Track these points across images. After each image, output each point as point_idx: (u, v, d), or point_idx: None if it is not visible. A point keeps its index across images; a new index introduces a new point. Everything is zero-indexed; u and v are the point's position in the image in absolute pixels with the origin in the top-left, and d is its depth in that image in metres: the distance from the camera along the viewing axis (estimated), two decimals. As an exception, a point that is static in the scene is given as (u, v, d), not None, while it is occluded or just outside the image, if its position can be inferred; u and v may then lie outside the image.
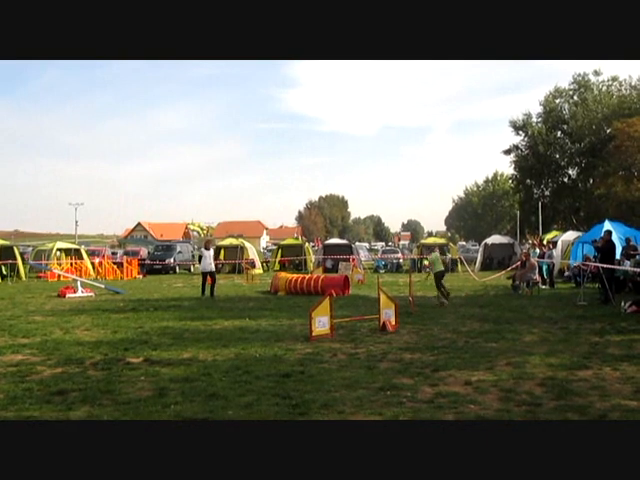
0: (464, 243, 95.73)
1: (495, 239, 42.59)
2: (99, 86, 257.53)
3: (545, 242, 30.26)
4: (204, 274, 22.10)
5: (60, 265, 36.37)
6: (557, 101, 58.53)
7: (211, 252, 22.59)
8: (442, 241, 45.56)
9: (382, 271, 40.21)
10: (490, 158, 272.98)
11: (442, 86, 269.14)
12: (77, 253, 39.87)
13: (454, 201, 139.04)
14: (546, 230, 52.86)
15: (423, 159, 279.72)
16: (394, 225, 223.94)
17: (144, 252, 51.24)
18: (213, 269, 22.31)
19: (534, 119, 58.89)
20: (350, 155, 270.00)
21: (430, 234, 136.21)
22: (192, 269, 44.01)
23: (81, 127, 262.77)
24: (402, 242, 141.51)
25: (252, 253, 40.53)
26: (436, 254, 20.29)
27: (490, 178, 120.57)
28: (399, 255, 49.21)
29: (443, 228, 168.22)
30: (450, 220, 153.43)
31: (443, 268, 20.06)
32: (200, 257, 23.14)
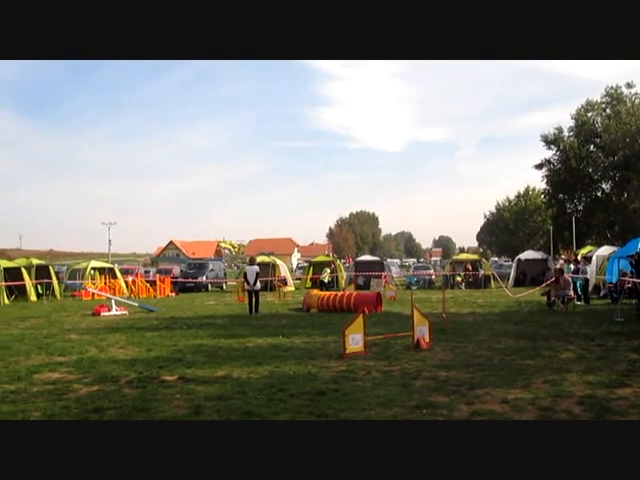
0: (496, 259, 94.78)
1: (528, 255, 42.00)
2: (129, 109, 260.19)
3: (579, 257, 29.87)
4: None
5: (94, 284, 36.76)
6: (589, 114, 57.99)
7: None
8: (474, 257, 45.17)
9: (414, 288, 40.00)
10: (521, 173, 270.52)
11: (469, 103, 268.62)
12: (111, 272, 40.32)
13: (485, 216, 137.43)
14: (580, 245, 52.16)
15: (453, 175, 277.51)
16: (425, 241, 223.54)
17: (176, 270, 51.63)
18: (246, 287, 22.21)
19: (566, 133, 58.42)
20: (380, 171, 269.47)
21: (462, 250, 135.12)
22: (224, 287, 44.19)
23: (111, 148, 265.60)
24: (434, 258, 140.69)
25: (284, 270, 40.56)
26: (327, 269, 34.64)
27: (522, 193, 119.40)
28: (431, 271, 48.99)
29: (475, 244, 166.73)
30: (482, 236, 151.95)
31: (326, 280, 31.82)
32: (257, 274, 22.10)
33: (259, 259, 41.23)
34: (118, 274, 40.22)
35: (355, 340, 12.10)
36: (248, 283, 21.80)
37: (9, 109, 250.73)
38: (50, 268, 37.28)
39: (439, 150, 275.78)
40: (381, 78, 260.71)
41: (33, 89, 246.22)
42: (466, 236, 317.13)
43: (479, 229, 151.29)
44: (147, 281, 39.55)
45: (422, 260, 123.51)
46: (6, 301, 31.46)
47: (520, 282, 38.20)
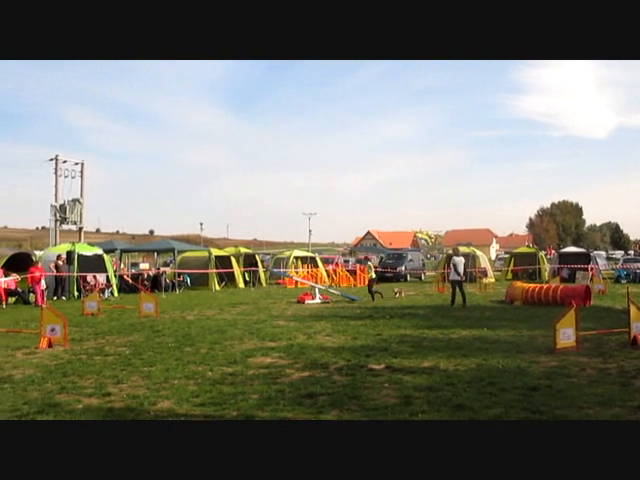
0: None
1: None
2: (326, 101, 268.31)
3: None
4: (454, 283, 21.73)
5: (297, 272, 38.14)
6: None
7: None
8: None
9: (624, 281, 37.65)
10: None
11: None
12: (312, 261, 41.65)
13: None
14: None
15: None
16: (634, 232, 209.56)
17: (375, 260, 52.33)
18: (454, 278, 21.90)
19: None
20: (583, 159, 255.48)
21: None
22: (423, 277, 44.17)
23: (310, 140, 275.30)
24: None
25: (484, 261, 39.80)
26: (369, 263, 29.47)
27: None
28: (643, 264, 45.76)
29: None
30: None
31: (373, 276, 26.72)
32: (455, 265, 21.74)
33: (458, 250, 40.70)
34: (319, 263, 41.44)
35: (566, 335, 11.60)
36: (458, 274, 21.40)
37: (219, 105, 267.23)
38: (257, 257, 39.26)
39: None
40: (582, 62, 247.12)
41: (238, 86, 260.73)
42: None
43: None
44: (347, 270, 40.39)
45: (630, 252, 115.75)
46: (217, 287, 33.52)
47: None
